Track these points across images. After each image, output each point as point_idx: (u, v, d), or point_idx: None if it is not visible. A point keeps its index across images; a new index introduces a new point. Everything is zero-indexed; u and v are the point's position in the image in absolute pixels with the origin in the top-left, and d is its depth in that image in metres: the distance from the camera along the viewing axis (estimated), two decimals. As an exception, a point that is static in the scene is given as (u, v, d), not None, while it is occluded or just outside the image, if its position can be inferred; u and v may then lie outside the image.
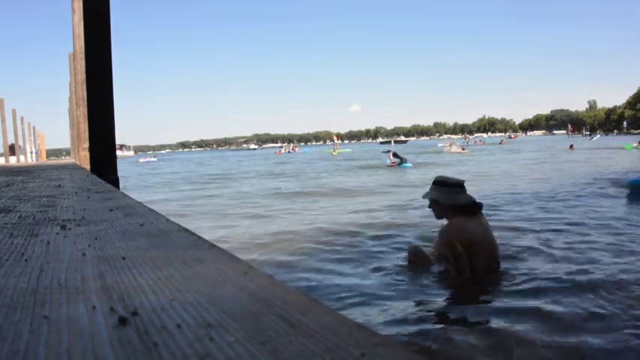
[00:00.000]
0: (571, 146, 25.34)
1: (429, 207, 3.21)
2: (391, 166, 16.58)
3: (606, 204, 5.77)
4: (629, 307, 2.41)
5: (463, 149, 27.32)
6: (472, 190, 3.42)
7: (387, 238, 4.33)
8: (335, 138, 47.27)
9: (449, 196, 3.04)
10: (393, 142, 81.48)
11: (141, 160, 51.57)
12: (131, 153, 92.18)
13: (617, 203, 5.82)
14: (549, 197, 6.60)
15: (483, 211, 3.14)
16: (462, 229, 2.89)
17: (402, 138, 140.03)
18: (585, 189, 7.42)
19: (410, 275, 3.24)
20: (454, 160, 20.15)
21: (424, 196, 3.23)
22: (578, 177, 9.50)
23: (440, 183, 3.12)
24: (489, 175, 11.57)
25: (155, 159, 56.90)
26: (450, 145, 28.50)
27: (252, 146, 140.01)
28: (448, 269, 2.95)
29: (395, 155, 17.42)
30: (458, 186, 3.07)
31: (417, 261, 3.16)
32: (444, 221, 3.15)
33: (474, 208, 3.03)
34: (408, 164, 16.31)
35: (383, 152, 20.95)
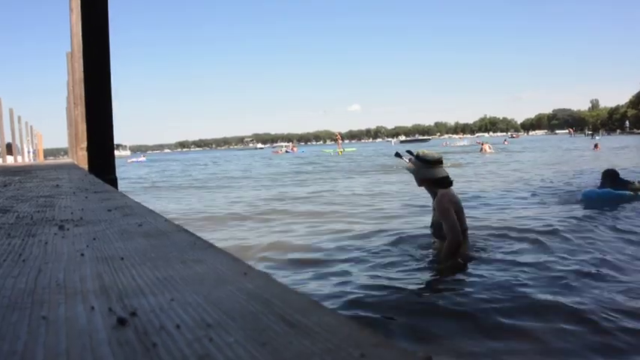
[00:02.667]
0: (596, 145, 24.92)
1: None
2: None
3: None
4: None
5: (489, 148, 27.08)
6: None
7: (389, 242, 4.33)
8: (339, 137, 46.68)
9: (428, 172, 3.40)
10: (393, 142, 79.01)
11: (129, 160, 47.40)
12: (127, 153, 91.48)
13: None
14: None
15: None
16: (452, 200, 3.34)
17: (424, 137, 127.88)
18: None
19: (408, 274, 3.25)
20: (491, 159, 19.59)
21: (408, 169, 3.56)
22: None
23: (420, 159, 3.47)
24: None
25: (144, 159, 54.06)
26: (485, 146, 27.90)
27: (259, 145, 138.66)
28: (442, 237, 3.35)
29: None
30: (438, 162, 3.44)
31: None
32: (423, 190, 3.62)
33: (450, 181, 3.45)
34: None
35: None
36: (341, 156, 30.87)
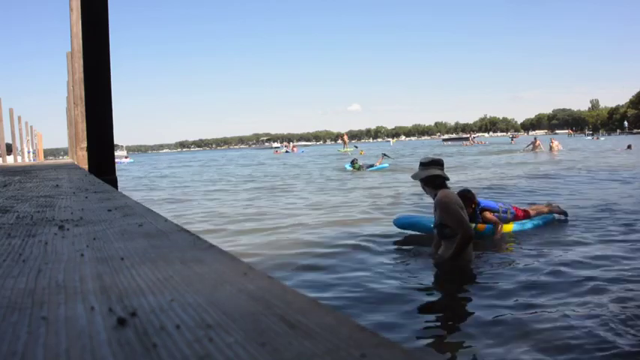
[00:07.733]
0: (629, 146, 23.63)
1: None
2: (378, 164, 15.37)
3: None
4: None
5: (536, 146, 24.64)
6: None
7: (391, 242, 4.33)
8: (345, 137, 46.18)
9: (421, 172, 3.52)
10: (392, 142, 77.95)
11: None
12: (124, 153, 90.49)
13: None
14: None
15: None
16: (452, 196, 3.37)
17: (464, 134, 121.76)
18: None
19: (408, 274, 3.25)
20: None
21: (412, 176, 3.63)
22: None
23: (421, 164, 3.61)
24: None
25: (129, 160, 47.13)
26: (537, 145, 24.99)
27: (275, 145, 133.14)
28: (453, 234, 3.31)
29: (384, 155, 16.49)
30: (429, 164, 3.54)
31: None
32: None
33: (444, 182, 3.51)
34: (384, 165, 15.14)
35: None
36: (363, 156, 29.17)
